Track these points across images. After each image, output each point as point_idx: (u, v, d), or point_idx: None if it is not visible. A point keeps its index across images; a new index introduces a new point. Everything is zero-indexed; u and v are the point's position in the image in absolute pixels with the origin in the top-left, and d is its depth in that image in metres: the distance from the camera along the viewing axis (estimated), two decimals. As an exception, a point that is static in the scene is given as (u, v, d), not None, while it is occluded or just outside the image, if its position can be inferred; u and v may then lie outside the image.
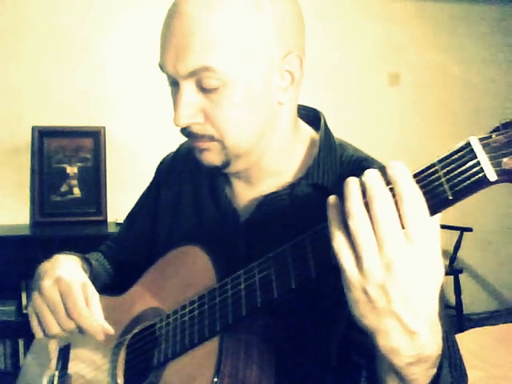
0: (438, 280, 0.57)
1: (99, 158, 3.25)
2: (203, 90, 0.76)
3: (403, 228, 0.55)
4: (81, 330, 0.85)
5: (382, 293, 0.55)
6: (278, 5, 0.76)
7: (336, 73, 3.63)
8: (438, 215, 0.56)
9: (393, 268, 0.54)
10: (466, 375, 0.78)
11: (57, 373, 0.97)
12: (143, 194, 1.10)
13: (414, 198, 0.54)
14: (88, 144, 3.25)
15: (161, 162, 1.07)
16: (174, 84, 0.79)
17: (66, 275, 0.87)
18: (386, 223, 0.54)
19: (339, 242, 0.57)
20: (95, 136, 3.25)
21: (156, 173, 1.07)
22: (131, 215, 1.12)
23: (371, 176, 0.56)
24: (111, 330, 0.85)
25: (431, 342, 0.59)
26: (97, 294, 0.88)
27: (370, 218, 0.55)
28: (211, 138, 0.79)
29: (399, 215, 0.55)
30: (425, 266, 0.55)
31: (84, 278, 0.90)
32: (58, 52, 3.19)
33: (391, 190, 0.56)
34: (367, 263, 0.55)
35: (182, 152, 1.04)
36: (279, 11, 0.76)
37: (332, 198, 0.59)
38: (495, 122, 0.55)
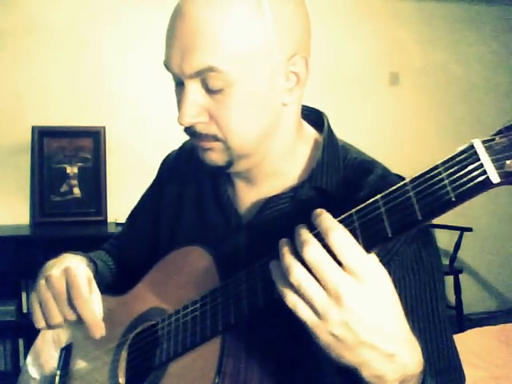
0: (392, 299, 0.59)
1: (99, 158, 3.25)
2: (208, 90, 0.76)
3: (341, 265, 0.58)
4: (81, 320, 0.85)
5: (345, 329, 0.57)
6: (281, 6, 0.76)
7: (336, 73, 3.63)
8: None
9: (343, 301, 0.57)
10: (464, 376, 0.79)
11: (58, 372, 0.97)
12: (145, 193, 1.10)
13: (337, 232, 0.58)
14: (88, 144, 3.25)
15: (164, 160, 1.07)
16: (179, 83, 0.79)
17: (74, 265, 0.88)
18: (319, 264, 0.58)
19: (291, 298, 0.60)
20: (95, 136, 3.25)
21: (159, 170, 1.07)
22: (133, 214, 1.12)
23: (296, 229, 0.61)
24: (103, 331, 0.85)
25: (411, 360, 0.61)
26: (99, 294, 0.88)
27: (306, 266, 0.58)
28: (215, 138, 0.79)
29: (334, 255, 0.58)
30: (373, 290, 0.58)
31: (90, 274, 0.91)
32: (58, 52, 3.19)
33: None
34: (320, 307, 0.58)
35: (185, 151, 1.03)
36: (282, 13, 0.76)
37: (273, 263, 0.63)
38: (497, 122, 0.55)
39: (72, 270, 0.86)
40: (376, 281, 0.58)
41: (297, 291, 0.59)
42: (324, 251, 0.58)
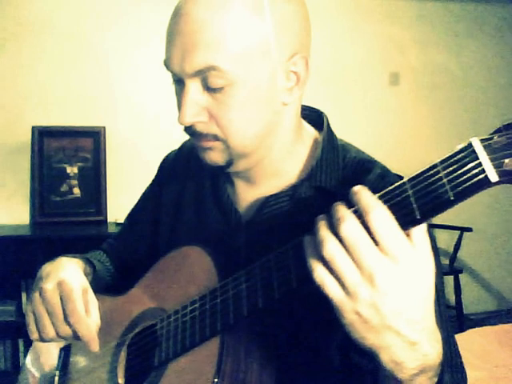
0: (427, 287, 0.58)
1: (99, 158, 3.25)
2: (208, 89, 0.76)
3: (377, 245, 0.56)
4: (76, 336, 0.85)
5: (373, 310, 0.56)
6: (281, 7, 0.76)
7: (336, 73, 3.63)
8: (423, 226, 0.58)
9: (376, 282, 0.55)
10: (466, 376, 0.79)
11: (57, 373, 0.97)
12: (145, 192, 1.10)
13: (377, 211, 0.56)
14: (88, 144, 3.25)
15: (163, 160, 1.07)
16: (179, 82, 0.79)
17: (68, 278, 0.87)
18: (356, 241, 0.56)
19: (319, 272, 0.58)
20: (95, 136, 3.25)
21: (158, 171, 1.07)
22: (133, 213, 1.12)
23: (334, 205, 0.59)
24: (96, 348, 0.86)
25: (433, 351, 0.59)
26: (96, 302, 0.88)
27: (342, 242, 0.57)
28: (215, 137, 0.79)
29: (371, 233, 0.56)
30: (408, 275, 0.56)
31: (86, 283, 0.90)
32: (59, 52, 3.19)
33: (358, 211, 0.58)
34: (351, 285, 0.56)
35: (184, 150, 1.04)
36: (282, 13, 0.76)
37: (306, 238, 0.61)
38: (496, 122, 0.55)
39: (66, 284, 0.85)
40: (412, 265, 0.56)
41: (328, 266, 0.57)
42: (362, 229, 0.56)
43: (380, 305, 0.56)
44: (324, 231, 0.58)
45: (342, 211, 0.58)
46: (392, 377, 0.60)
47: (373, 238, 0.56)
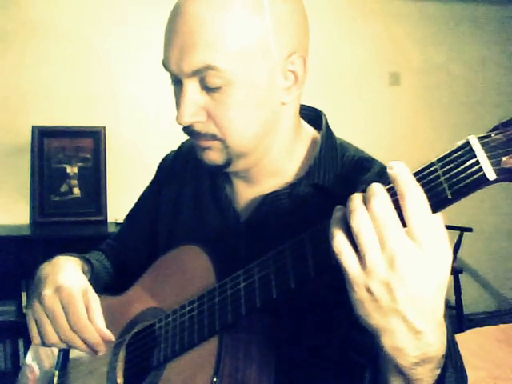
0: (443, 279, 0.57)
1: (99, 158, 3.25)
2: (206, 88, 0.76)
3: (405, 226, 0.55)
4: (79, 342, 0.84)
5: (386, 291, 0.55)
6: (279, 6, 0.76)
7: (336, 73, 3.63)
8: (441, 218, 0.56)
9: (396, 264, 0.54)
10: (466, 375, 0.78)
11: (56, 373, 0.97)
12: (144, 193, 1.10)
13: (415, 195, 0.54)
14: (88, 144, 3.25)
15: (162, 160, 1.08)
16: (177, 83, 0.79)
17: (66, 283, 0.86)
18: (385, 219, 0.54)
19: (340, 242, 0.57)
20: (95, 136, 3.25)
21: (157, 171, 1.07)
22: (132, 214, 1.12)
23: (372, 182, 0.57)
24: (112, 338, 0.85)
25: (436, 342, 0.58)
26: (97, 298, 0.88)
27: (371, 217, 0.55)
28: (213, 137, 0.79)
29: (401, 213, 0.55)
30: (429, 263, 0.55)
31: (84, 282, 0.90)
32: (59, 52, 3.19)
33: (392, 189, 0.56)
34: (370, 260, 0.55)
35: (183, 150, 1.04)
36: (280, 13, 0.76)
37: (337, 207, 0.60)
38: (496, 122, 0.55)
39: (65, 289, 0.84)
40: (435, 255, 0.55)
41: (350, 237, 0.56)
42: (393, 208, 0.55)
43: (394, 287, 0.54)
44: (357, 202, 0.56)
45: (377, 187, 0.56)
46: (393, 366, 0.59)
47: (402, 220, 0.55)
